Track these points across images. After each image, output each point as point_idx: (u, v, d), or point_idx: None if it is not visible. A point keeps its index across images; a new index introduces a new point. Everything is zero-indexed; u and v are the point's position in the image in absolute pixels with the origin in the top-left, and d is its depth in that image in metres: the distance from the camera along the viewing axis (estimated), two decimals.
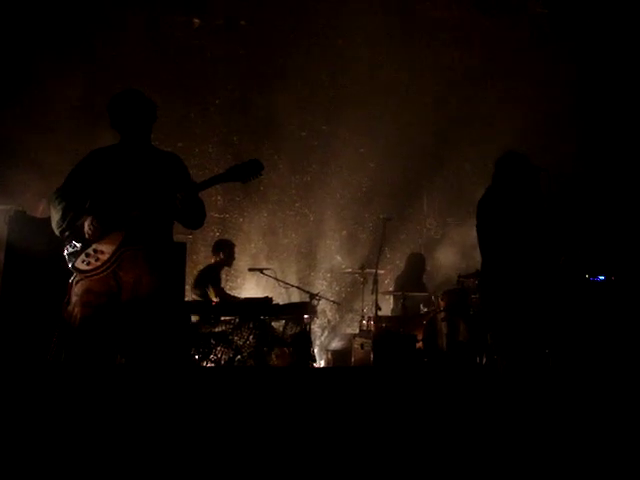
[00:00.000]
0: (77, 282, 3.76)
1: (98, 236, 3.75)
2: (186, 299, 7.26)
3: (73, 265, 3.75)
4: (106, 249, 3.74)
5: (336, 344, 8.88)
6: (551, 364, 5.39)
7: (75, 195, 3.88)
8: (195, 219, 4.09)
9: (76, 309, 3.69)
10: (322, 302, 8.28)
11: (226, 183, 4.03)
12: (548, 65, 9.05)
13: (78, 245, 3.76)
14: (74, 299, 3.72)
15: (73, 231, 3.80)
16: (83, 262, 3.73)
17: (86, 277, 3.71)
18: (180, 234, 5.35)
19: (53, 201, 3.89)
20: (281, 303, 7.68)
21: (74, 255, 3.76)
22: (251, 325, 6.96)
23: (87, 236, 3.75)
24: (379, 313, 7.82)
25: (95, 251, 3.74)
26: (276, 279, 8.07)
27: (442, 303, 7.63)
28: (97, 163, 3.96)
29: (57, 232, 3.85)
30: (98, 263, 3.72)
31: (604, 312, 6.11)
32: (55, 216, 3.85)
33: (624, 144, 9.00)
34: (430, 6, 9.58)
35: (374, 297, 7.84)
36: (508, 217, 5.14)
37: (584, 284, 6.39)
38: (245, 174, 3.94)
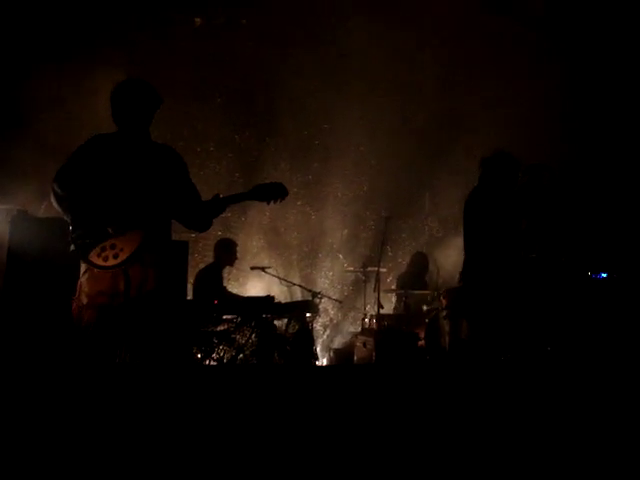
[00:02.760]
0: (87, 278, 3.70)
1: (118, 232, 3.68)
2: (188, 298, 7.26)
3: (86, 258, 3.66)
4: (126, 247, 3.66)
5: (338, 342, 8.90)
6: (552, 361, 5.40)
7: (78, 180, 3.73)
8: (206, 226, 4.18)
9: (88, 312, 3.64)
10: (324, 300, 8.28)
11: (234, 188, 4.08)
12: (551, 62, 9.04)
13: (91, 237, 3.66)
14: (85, 300, 3.67)
15: (83, 221, 3.69)
16: (99, 256, 3.64)
17: (99, 271, 3.65)
18: (183, 233, 5.35)
19: (54, 184, 3.73)
20: (283, 302, 7.69)
21: (86, 247, 3.66)
22: (253, 324, 6.95)
23: (110, 231, 3.68)
24: (381, 311, 7.83)
25: (113, 247, 3.66)
26: (278, 277, 8.08)
27: (444, 301, 7.63)
28: (100, 150, 3.85)
29: (65, 217, 3.74)
30: (117, 260, 3.64)
31: (606, 310, 6.12)
32: (56, 200, 3.73)
33: (625, 139, 9.01)
34: (430, 3, 9.56)
35: (376, 295, 7.86)
36: (492, 217, 5.23)
37: (586, 281, 6.39)
38: (269, 195, 4.10)
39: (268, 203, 4.10)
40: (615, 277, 6.39)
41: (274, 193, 4.09)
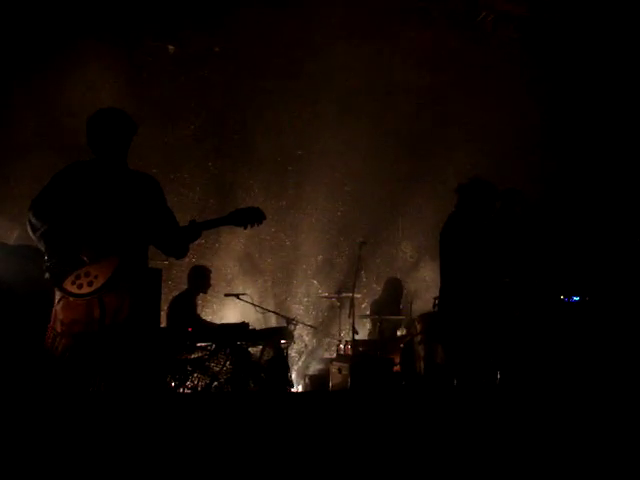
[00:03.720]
0: (62, 306, 3.66)
1: (93, 260, 3.66)
2: (162, 325, 7.20)
3: (61, 286, 3.63)
4: (101, 274, 3.64)
5: (313, 369, 8.85)
6: (526, 384, 5.43)
7: (53, 209, 3.72)
8: (183, 252, 4.15)
9: (63, 340, 3.60)
10: (299, 327, 8.25)
11: (208, 215, 4.07)
12: (525, 87, 9.18)
13: (65, 265, 3.63)
14: (60, 329, 3.63)
15: (57, 250, 3.66)
16: (73, 284, 3.61)
17: (74, 299, 3.63)
18: (157, 260, 5.31)
19: (30, 213, 3.73)
20: (258, 328, 7.65)
21: (61, 275, 3.63)
22: (228, 351, 6.91)
23: (85, 259, 3.65)
24: (356, 337, 7.81)
25: (88, 274, 3.63)
26: (253, 304, 8.04)
27: (419, 326, 7.64)
28: (76, 178, 3.85)
29: (39, 245, 3.71)
30: (92, 288, 3.61)
31: (579, 333, 6.16)
32: (31, 229, 3.71)
33: (597, 162, 9.15)
34: (404, 28, 9.67)
35: (351, 321, 7.84)
36: (469, 244, 5.28)
37: (559, 305, 6.44)
38: (246, 220, 4.05)
39: (245, 228, 4.08)
40: (587, 300, 6.45)
41: (251, 218, 4.05)
